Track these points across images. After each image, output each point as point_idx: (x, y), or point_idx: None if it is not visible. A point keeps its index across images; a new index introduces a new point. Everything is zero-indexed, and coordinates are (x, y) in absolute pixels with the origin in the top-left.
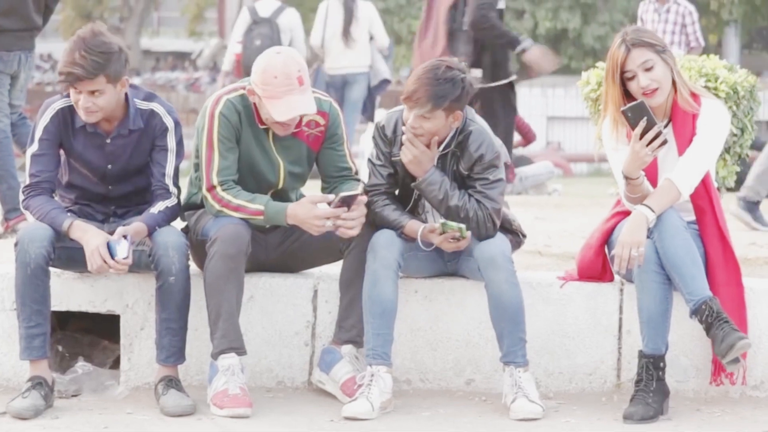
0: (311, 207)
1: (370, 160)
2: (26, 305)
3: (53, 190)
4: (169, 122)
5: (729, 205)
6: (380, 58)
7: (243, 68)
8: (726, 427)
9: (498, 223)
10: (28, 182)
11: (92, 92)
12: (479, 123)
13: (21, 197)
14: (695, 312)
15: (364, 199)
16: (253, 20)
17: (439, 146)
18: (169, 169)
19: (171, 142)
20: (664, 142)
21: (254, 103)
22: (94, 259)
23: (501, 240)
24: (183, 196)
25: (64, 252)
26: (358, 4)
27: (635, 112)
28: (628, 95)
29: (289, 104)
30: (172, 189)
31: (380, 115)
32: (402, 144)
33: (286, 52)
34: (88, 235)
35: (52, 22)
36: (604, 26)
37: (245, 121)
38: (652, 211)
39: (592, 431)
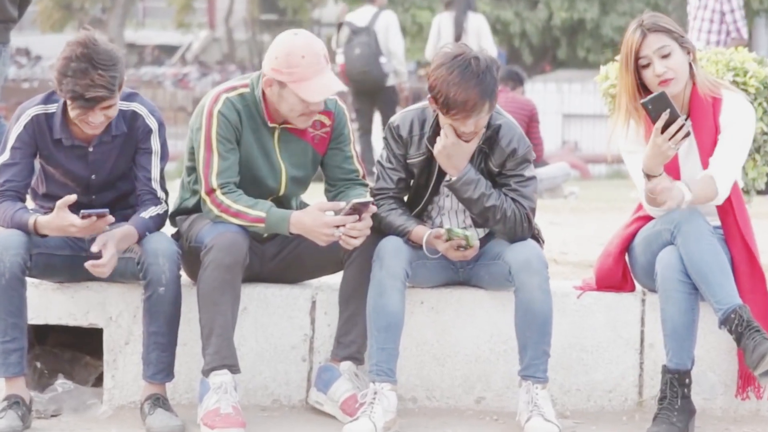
0: (319, 215)
1: (379, 162)
2: (1, 318)
3: (21, 199)
4: (153, 124)
5: (760, 209)
6: None
7: (347, 78)
8: None
9: (533, 223)
10: None
11: (108, 107)
12: (507, 116)
13: None
14: (724, 321)
15: (375, 208)
16: (352, 30)
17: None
18: (155, 173)
19: (155, 144)
20: (688, 134)
21: (264, 100)
22: (84, 233)
23: (534, 243)
24: (174, 201)
25: (42, 259)
26: (468, 17)
27: (656, 104)
28: (643, 88)
29: (322, 83)
30: (160, 194)
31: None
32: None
33: (302, 32)
34: (53, 224)
35: (29, 14)
36: (624, 16)
37: (245, 123)
38: (691, 192)
39: None
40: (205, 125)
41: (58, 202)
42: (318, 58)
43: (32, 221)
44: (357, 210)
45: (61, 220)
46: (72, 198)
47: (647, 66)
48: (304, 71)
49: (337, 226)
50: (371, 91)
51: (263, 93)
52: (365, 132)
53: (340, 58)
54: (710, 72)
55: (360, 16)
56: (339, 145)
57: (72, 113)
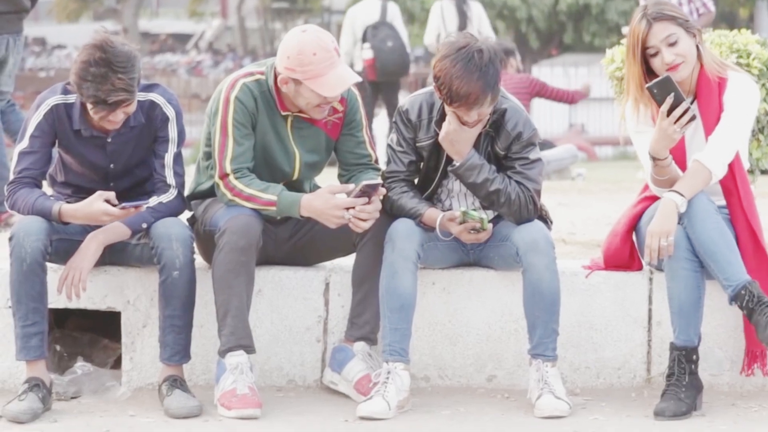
0: (329, 197)
1: (389, 146)
2: (22, 303)
3: (38, 186)
4: (170, 112)
5: (764, 188)
6: None
7: (378, 71)
8: (763, 423)
9: (539, 205)
10: (12, 179)
11: (128, 105)
12: (512, 99)
13: (5, 194)
14: (735, 298)
15: (384, 190)
16: (372, 25)
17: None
18: (169, 160)
19: (172, 132)
20: (693, 118)
21: (276, 90)
22: (109, 218)
23: (541, 224)
24: (191, 185)
25: (62, 245)
26: (469, 5)
27: (661, 88)
28: (650, 73)
29: (338, 77)
30: (170, 180)
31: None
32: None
33: (311, 28)
34: (82, 212)
35: (45, 4)
36: (629, 1)
37: (262, 108)
38: (682, 195)
39: (621, 429)
40: (222, 110)
41: (98, 193)
42: (329, 53)
43: (56, 209)
44: (366, 192)
45: (95, 209)
46: (112, 194)
47: (655, 55)
48: (318, 68)
49: (347, 209)
50: (393, 82)
51: (275, 84)
52: (370, 118)
53: (367, 53)
54: None
55: (367, 11)
56: (351, 131)
57: (94, 115)
